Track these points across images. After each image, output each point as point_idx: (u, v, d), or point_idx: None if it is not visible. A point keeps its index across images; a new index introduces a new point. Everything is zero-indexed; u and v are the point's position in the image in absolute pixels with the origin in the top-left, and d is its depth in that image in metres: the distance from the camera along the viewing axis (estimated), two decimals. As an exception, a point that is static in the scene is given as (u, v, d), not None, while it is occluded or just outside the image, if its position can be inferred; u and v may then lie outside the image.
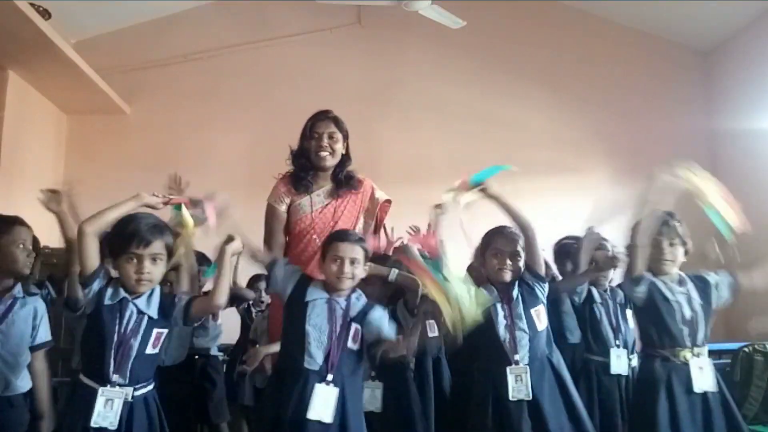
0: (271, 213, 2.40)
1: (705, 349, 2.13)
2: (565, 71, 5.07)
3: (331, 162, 2.41)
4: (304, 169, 2.41)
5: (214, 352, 3.18)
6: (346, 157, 2.46)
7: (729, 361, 3.31)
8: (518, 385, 2.07)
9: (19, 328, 2.11)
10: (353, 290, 2.08)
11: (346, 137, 2.45)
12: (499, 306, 2.17)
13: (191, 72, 4.90)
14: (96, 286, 1.79)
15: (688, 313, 2.13)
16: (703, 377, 2.07)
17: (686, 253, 2.22)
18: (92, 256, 1.79)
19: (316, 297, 2.01)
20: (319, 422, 1.88)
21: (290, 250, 2.39)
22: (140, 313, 1.81)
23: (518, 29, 5.14)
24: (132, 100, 4.81)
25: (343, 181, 2.43)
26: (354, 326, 2.00)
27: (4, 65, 3.92)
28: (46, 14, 3.89)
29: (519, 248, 2.21)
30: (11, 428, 2.06)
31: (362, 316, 2.03)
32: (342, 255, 2.01)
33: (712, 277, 2.20)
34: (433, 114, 4.92)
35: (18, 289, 2.14)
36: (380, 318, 2.03)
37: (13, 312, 2.11)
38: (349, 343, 1.98)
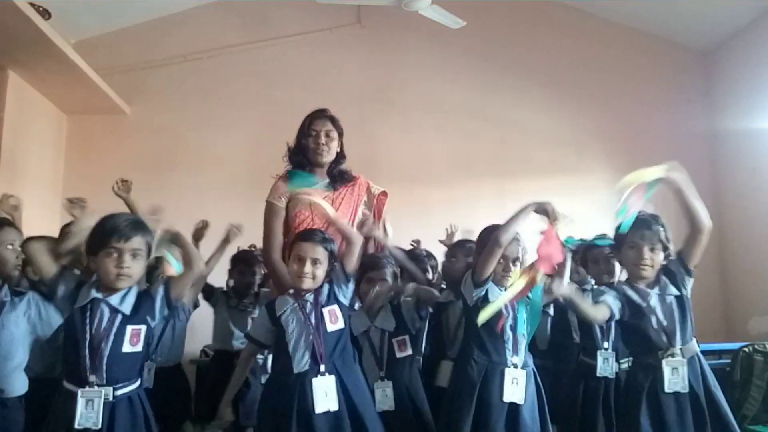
0: (270, 210, 2.44)
1: (691, 346, 2.08)
2: (565, 71, 5.07)
3: (327, 158, 2.48)
4: (301, 165, 2.48)
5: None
6: (340, 155, 2.54)
7: (729, 361, 3.30)
8: (513, 387, 2.07)
9: (10, 331, 2.11)
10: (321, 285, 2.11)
11: (341, 135, 2.53)
12: (507, 305, 2.16)
13: (191, 72, 4.90)
14: (62, 290, 1.80)
15: (661, 315, 2.09)
16: (676, 378, 2.03)
17: (667, 257, 2.17)
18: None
19: (285, 307, 2.06)
20: (327, 413, 1.92)
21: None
22: (114, 311, 1.80)
23: (518, 29, 5.14)
24: (132, 100, 4.80)
25: (338, 176, 2.51)
26: (326, 310, 2.05)
27: (4, 65, 3.92)
28: (46, 14, 3.89)
29: (521, 252, 2.21)
30: (6, 429, 2.05)
31: (334, 297, 2.09)
32: (303, 255, 2.05)
33: (672, 265, 2.16)
34: (433, 114, 4.92)
35: (5, 292, 2.14)
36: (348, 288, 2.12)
37: (3, 316, 2.10)
38: (329, 327, 2.03)
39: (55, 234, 2.78)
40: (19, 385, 2.13)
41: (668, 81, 5.11)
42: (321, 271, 2.08)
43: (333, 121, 2.51)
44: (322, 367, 1.97)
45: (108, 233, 1.80)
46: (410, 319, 2.37)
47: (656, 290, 2.12)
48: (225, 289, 3.29)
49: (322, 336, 2.01)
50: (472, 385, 2.11)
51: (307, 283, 2.06)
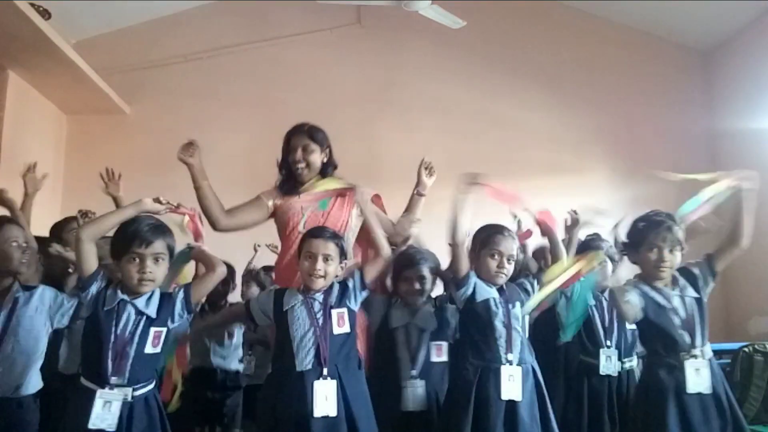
0: (254, 199, 2.46)
1: (707, 348, 2.09)
2: (565, 71, 5.07)
3: (307, 174, 2.47)
4: (289, 178, 2.51)
5: (234, 366, 3.17)
6: (329, 164, 2.53)
7: (729, 361, 3.30)
8: (510, 384, 2.06)
9: (28, 326, 2.10)
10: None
11: (324, 146, 2.50)
12: (498, 302, 2.16)
13: (191, 72, 4.90)
14: (94, 288, 1.81)
15: (684, 316, 2.09)
16: (699, 379, 2.04)
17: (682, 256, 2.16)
18: (90, 261, 1.82)
19: (293, 303, 2.04)
20: (325, 417, 1.90)
21: (284, 251, 2.44)
22: (139, 313, 1.82)
23: (518, 29, 5.14)
24: (132, 100, 4.81)
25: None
26: (335, 312, 2.03)
27: (4, 65, 3.92)
28: (46, 14, 3.89)
29: (515, 252, 2.21)
30: (22, 430, 2.05)
31: (341, 298, 2.06)
32: (314, 251, 2.02)
33: (695, 268, 2.16)
34: (433, 114, 4.92)
35: (17, 287, 2.13)
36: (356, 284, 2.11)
37: (18, 312, 2.10)
38: (335, 329, 2.01)
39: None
40: (34, 381, 2.12)
41: (668, 81, 5.11)
42: (332, 268, 2.05)
43: (311, 135, 2.48)
44: (325, 370, 1.94)
45: (130, 238, 1.81)
46: (452, 326, 2.35)
47: (676, 291, 2.12)
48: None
49: (328, 338, 1.98)
50: (468, 385, 2.10)
51: (319, 283, 2.03)
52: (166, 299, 1.88)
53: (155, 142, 4.74)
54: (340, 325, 2.02)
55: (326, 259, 2.02)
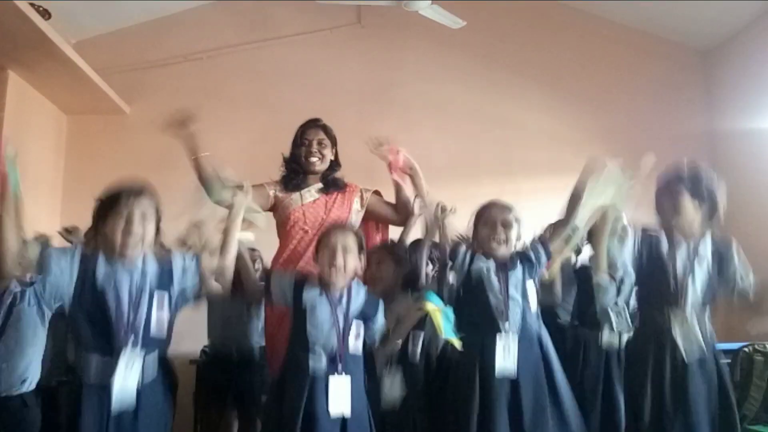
0: (257, 185, 2.46)
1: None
2: (565, 71, 5.06)
3: (320, 167, 2.54)
4: (294, 172, 2.53)
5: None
6: (335, 163, 2.60)
7: (729, 361, 3.30)
8: (506, 355, 2.02)
9: (27, 321, 2.10)
10: (352, 280, 2.07)
11: (334, 144, 2.59)
12: (492, 271, 2.13)
13: (191, 72, 4.90)
14: (75, 264, 1.73)
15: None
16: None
17: (714, 212, 2.16)
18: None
19: (313, 300, 2.00)
20: (338, 419, 1.89)
21: (282, 247, 2.44)
22: (139, 277, 1.78)
23: (518, 29, 5.14)
24: (132, 100, 4.80)
25: (331, 182, 2.56)
26: (356, 324, 2.01)
27: (4, 65, 3.92)
28: (46, 14, 3.88)
29: (511, 217, 2.18)
30: (26, 428, 2.05)
31: (364, 315, 2.04)
32: (334, 243, 2.02)
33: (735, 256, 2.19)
34: (433, 114, 4.91)
35: (14, 284, 2.14)
36: (377, 324, 2.08)
37: (17, 307, 2.10)
38: (351, 341, 1.99)
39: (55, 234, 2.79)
40: (37, 374, 2.13)
41: (668, 81, 5.10)
42: (351, 261, 2.03)
43: (325, 130, 2.57)
44: (340, 366, 1.93)
45: (115, 196, 1.77)
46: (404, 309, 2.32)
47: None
48: None
49: (344, 344, 1.96)
50: (471, 358, 2.06)
51: (340, 278, 2.01)
52: (165, 261, 1.84)
53: (155, 142, 4.71)
54: (356, 338, 2.00)
55: (345, 250, 2.01)
